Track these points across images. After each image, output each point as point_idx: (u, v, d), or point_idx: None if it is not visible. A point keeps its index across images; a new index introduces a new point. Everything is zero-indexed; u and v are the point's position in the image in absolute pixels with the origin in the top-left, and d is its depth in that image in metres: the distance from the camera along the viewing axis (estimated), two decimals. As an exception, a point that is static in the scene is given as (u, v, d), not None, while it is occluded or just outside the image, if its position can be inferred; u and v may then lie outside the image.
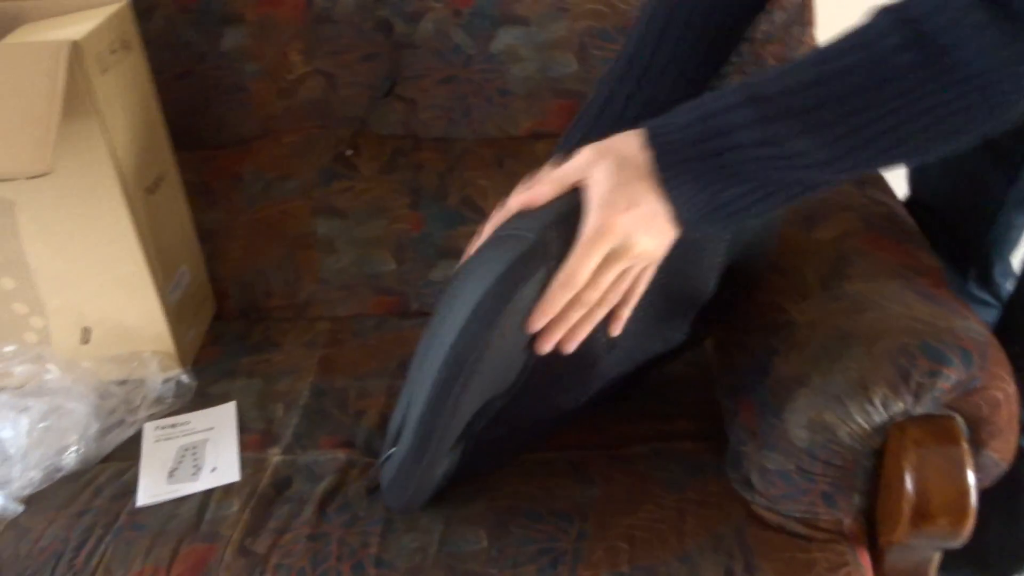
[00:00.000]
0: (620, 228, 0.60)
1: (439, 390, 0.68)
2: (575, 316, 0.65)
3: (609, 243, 0.60)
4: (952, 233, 0.87)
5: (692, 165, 0.57)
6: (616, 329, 0.68)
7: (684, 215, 0.59)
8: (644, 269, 0.64)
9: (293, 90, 1.10)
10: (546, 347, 0.66)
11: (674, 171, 0.58)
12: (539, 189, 0.64)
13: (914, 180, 0.99)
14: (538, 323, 0.65)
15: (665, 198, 0.59)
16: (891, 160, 0.57)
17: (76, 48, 0.82)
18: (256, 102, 1.11)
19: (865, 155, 0.55)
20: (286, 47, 1.08)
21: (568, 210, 0.63)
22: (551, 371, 0.72)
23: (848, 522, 0.75)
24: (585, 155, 0.62)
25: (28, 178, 0.77)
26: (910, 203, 0.93)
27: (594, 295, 0.63)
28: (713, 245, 0.72)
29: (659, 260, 0.64)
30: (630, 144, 0.59)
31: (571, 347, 0.67)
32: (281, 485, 0.84)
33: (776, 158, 0.55)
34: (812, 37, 1.10)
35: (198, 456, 0.89)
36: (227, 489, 0.84)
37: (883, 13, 0.54)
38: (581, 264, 0.61)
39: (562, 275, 0.62)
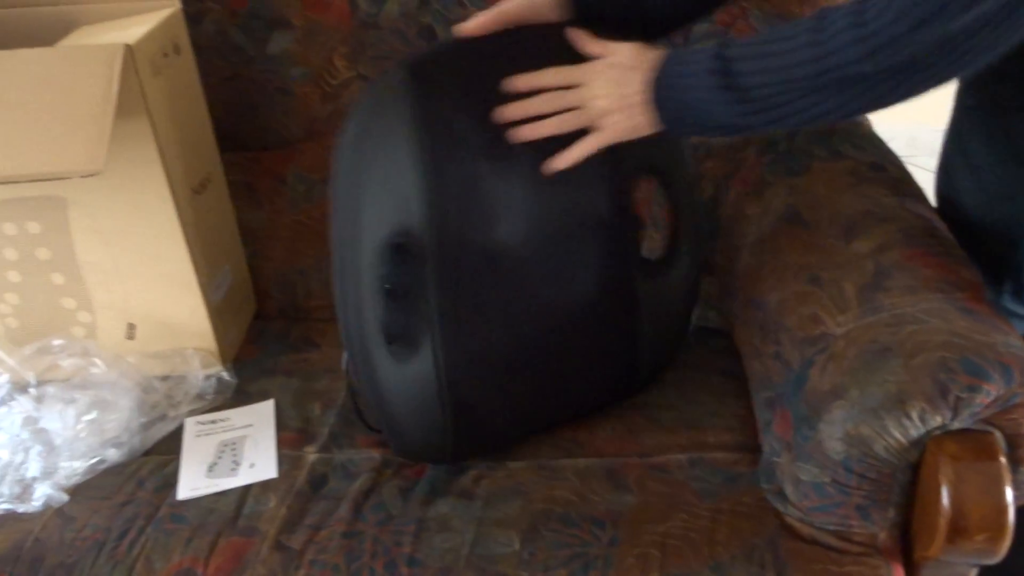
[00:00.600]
0: (601, 101, 0.76)
1: (333, 213, 0.79)
2: (535, 105, 0.77)
3: (583, 94, 0.76)
4: (985, 248, 0.86)
5: (667, 88, 0.74)
6: (548, 167, 0.78)
7: (664, 122, 0.75)
8: (597, 130, 0.77)
9: (337, 94, 1.12)
10: (504, 116, 0.77)
11: (657, 86, 0.74)
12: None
13: (943, 194, 0.98)
14: (517, 85, 0.77)
15: (644, 97, 0.75)
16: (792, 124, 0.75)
17: (130, 51, 0.84)
18: (301, 106, 1.13)
19: (773, 120, 0.72)
20: (331, 52, 1.10)
21: None
22: (463, 212, 0.78)
23: (883, 536, 0.74)
24: (599, 67, 0.77)
25: (81, 177, 0.79)
26: (940, 208, 0.93)
27: (555, 103, 0.77)
28: None
29: (609, 136, 0.77)
30: (640, 59, 0.75)
31: (519, 138, 0.77)
32: (317, 483, 0.86)
33: (712, 105, 0.73)
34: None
35: (237, 452, 0.90)
36: (265, 485, 0.86)
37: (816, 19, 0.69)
38: (551, 77, 0.77)
39: (546, 73, 0.77)
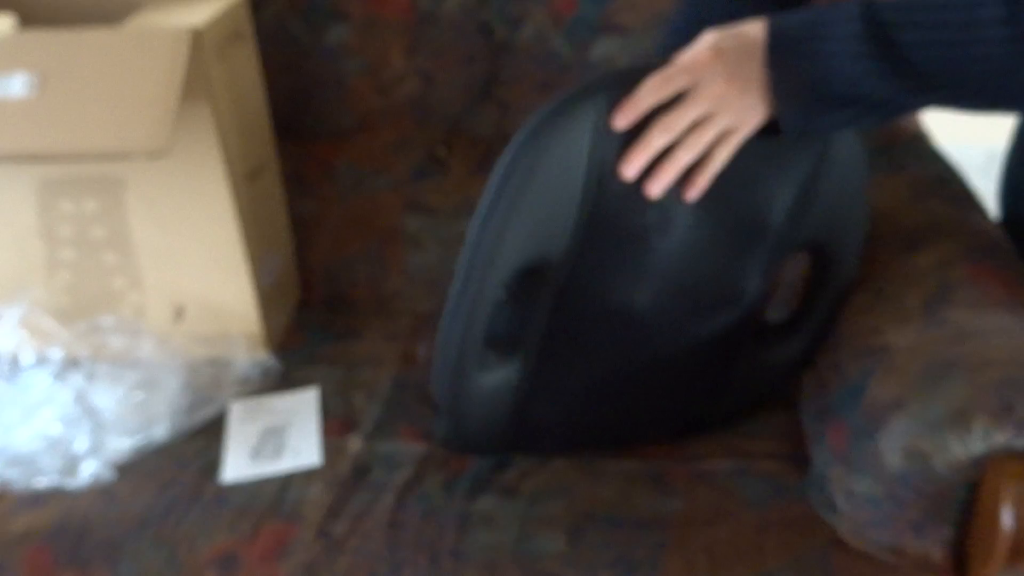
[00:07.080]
0: (713, 76, 0.66)
1: (481, 219, 0.70)
2: (659, 139, 0.68)
3: (697, 76, 0.67)
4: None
5: (796, 57, 0.66)
6: (691, 192, 0.71)
7: (777, 93, 0.67)
8: (728, 134, 0.68)
9: (392, 88, 1.12)
10: (630, 168, 0.69)
11: (779, 54, 0.66)
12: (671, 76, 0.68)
13: (1012, 211, 0.96)
14: (620, 123, 0.68)
15: (766, 75, 0.66)
16: (946, 104, 0.69)
17: (197, 36, 0.85)
18: (355, 97, 1.13)
19: (933, 98, 0.68)
20: (389, 45, 1.10)
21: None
22: (606, 256, 0.73)
23: (937, 554, 0.73)
24: (707, 38, 0.68)
25: (144, 156, 0.80)
26: (1006, 225, 0.91)
27: (678, 123, 0.67)
28: (771, 175, 0.74)
29: (744, 132, 0.68)
30: (751, 27, 0.67)
31: (656, 188, 0.70)
32: (361, 472, 0.86)
33: (863, 77, 0.65)
34: None
35: (281, 438, 0.90)
36: (308, 472, 0.86)
37: None
38: (669, 78, 0.67)
39: (650, 80, 0.67)
